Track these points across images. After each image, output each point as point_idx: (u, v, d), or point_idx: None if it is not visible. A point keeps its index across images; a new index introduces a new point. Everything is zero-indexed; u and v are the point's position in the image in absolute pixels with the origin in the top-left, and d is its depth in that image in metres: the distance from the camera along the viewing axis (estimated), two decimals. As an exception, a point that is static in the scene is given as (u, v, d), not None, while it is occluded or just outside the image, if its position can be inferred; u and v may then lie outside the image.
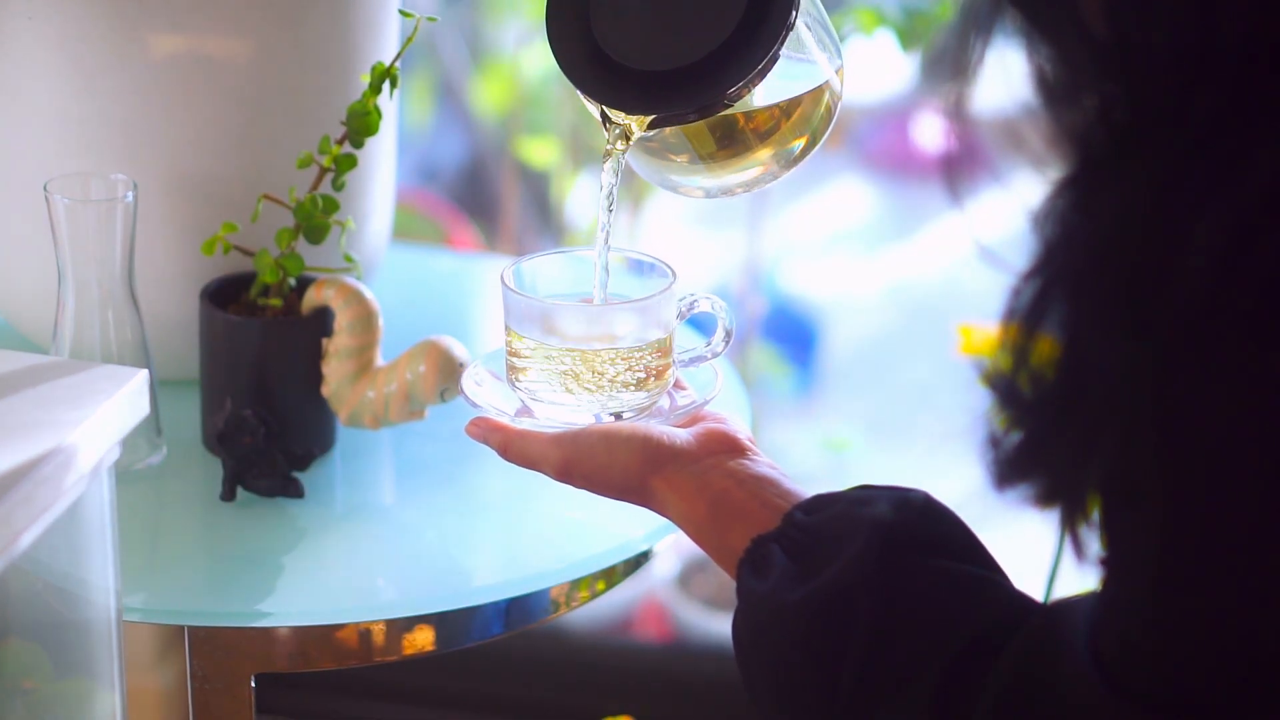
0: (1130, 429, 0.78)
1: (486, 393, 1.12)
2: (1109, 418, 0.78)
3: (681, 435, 1.04)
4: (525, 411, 1.11)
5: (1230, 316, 0.74)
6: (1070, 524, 0.83)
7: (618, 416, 1.10)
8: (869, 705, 0.90)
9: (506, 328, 1.11)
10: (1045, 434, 0.82)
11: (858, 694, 0.91)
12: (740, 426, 1.06)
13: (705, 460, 1.03)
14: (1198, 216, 0.74)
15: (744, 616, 0.97)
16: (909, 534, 0.93)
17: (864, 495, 0.97)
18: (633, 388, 1.10)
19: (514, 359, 1.11)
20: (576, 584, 1.22)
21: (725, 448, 1.04)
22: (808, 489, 1.01)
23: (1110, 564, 0.82)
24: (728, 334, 1.13)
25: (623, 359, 1.10)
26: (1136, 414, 0.77)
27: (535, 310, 1.09)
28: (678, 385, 1.14)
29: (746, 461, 1.03)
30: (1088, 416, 0.79)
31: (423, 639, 1.18)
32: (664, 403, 1.12)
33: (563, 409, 1.10)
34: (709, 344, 1.14)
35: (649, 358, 1.10)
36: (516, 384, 1.12)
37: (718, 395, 1.12)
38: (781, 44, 1.04)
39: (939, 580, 0.91)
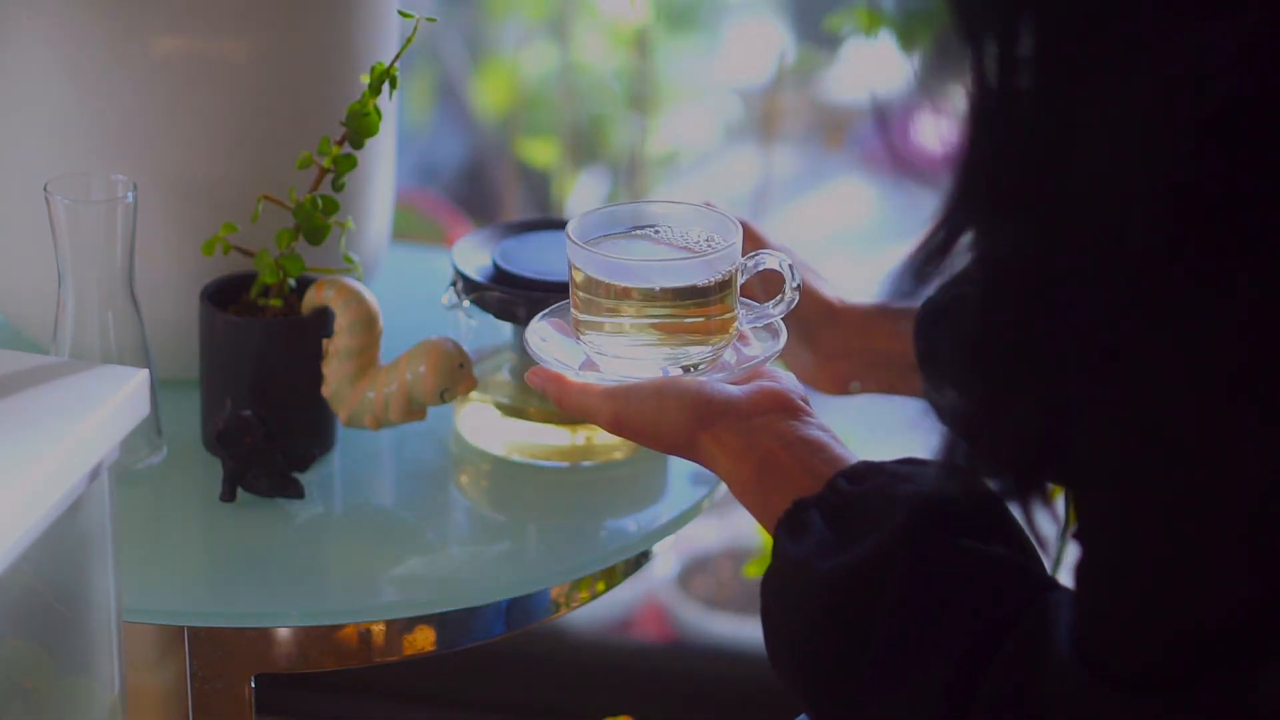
0: (1073, 397, 0.79)
1: (552, 346, 1.12)
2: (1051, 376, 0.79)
3: (733, 392, 1.04)
4: (590, 365, 1.11)
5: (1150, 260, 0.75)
6: (1026, 508, 0.84)
7: (684, 370, 1.10)
8: (886, 684, 0.91)
9: (571, 281, 1.11)
10: (985, 406, 0.82)
11: (875, 672, 0.91)
12: (796, 387, 1.06)
13: (756, 419, 1.03)
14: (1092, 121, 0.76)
15: (774, 578, 0.97)
16: (946, 514, 0.93)
17: (907, 470, 0.96)
18: (696, 342, 1.10)
19: (578, 313, 1.11)
20: (576, 584, 1.22)
21: (778, 406, 1.03)
22: (857, 455, 1.00)
23: (1079, 540, 0.83)
24: (795, 291, 1.13)
25: (687, 313, 1.09)
26: (1077, 378, 0.78)
27: (599, 264, 1.09)
28: (741, 340, 1.13)
29: (797, 423, 1.02)
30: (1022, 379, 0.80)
31: (423, 639, 1.18)
32: (728, 357, 1.12)
33: (626, 362, 1.10)
34: (775, 301, 1.13)
35: (713, 312, 1.10)
36: (581, 337, 1.11)
37: (780, 352, 1.11)
38: None
39: (969, 564, 0.91)
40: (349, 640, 1.17)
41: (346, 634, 1.17)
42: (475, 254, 1.31)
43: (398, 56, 1.24)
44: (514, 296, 1.27)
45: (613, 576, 1.24)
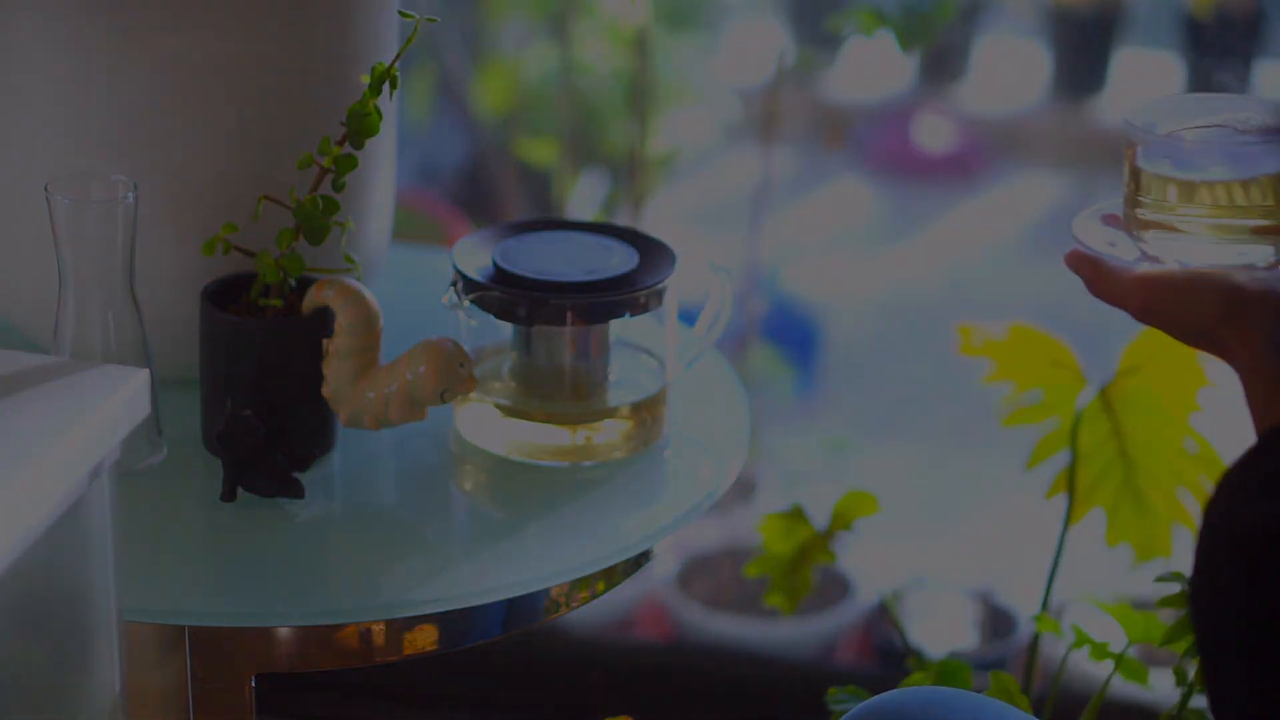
0: None
1: (1118, 250, 1.07)
2: None
3: (1274, 286, 0.99)
4: (1149, 259, 1.06)
5: None
6: None
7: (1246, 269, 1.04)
8: (1246, 651, 0.87)
9: (1131, 177, 1.06)
10: None
11: (1247, 632, 0.87)
12: None
13: None
14: None
15: (1223, 483, 0.93)
16: None
17: None
18: (1259, 241, 1.05)
19: (1138, 211, 1.06)
20: (576, 584, 1.22)
21: None
22: None
23: None
24: None
25: (1255, 207, 1.04)
26: None
27: (1171, 152, 1.05)
28: None
29: None
30: None
31: (423, 639, 1.18)
32: None
33: (1190, 258, 1.05)
34: None
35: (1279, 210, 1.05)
36: (1137, 233, 1.07)
37: None
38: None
39: None
40: (349, 640, 1.17)
41: (346, 634, 1.17)
42: (475, 254, 1.32)
43: (398, 56, 1.24)
44: (514, 296, 1.27)
45: (613, 576, 1.24)
